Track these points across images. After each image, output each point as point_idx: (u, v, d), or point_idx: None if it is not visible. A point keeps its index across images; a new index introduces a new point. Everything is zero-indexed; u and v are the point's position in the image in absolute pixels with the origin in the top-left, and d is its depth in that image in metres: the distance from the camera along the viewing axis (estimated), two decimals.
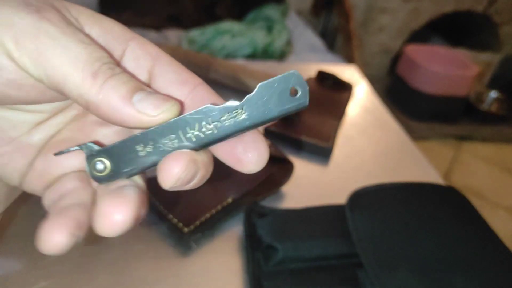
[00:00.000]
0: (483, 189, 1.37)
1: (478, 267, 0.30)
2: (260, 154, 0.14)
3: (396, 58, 1.70)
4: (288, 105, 0.13)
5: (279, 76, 0.13)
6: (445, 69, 1.50)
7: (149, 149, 0.14)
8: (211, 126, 0.13)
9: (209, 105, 0.13)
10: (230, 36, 0.95)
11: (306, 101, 0.13)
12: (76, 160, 0.15)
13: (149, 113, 0.12)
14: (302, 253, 0.31)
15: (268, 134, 0.47)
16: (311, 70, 0.63)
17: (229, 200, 0.35)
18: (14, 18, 0.11)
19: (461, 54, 1.64)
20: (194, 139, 0.14)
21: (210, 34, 0.95)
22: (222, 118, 0.13)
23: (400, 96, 1.64)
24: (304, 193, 0.41)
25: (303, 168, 0.44)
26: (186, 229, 0.32)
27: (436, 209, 0.36)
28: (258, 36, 0.98)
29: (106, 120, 0.13)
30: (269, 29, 1.05)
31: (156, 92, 0.13)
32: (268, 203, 0.38)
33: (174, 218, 0.33)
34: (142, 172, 0.15)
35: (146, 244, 0.33)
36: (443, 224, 0.34)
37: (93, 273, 0.30)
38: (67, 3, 0.13)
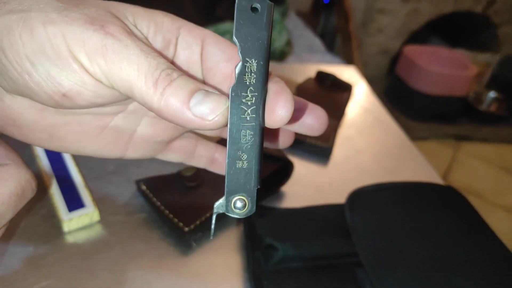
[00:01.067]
0: (482, 189, 1.37)
1: (477, 266, 0.31)
2: (286, 107, 0.15)
3: (395, 59, 1.70)
4: (264, 18, 0.14)
5: (235, 14, 0.14)
6: (444, 69, 1.51)
7: (243, 156, 0.15)
8: (248, 95, 0.14)
9: (230, 88, 0.14)
10: (230, 36, 0.95)
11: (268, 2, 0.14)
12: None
13: (206, 117, 0.13)
14: (302, 253, 0.31)
15: None
16: (310, 70, 0.63)
17: None
18: (83, 37, 0.13)
19: (460, 54, 1.64)
20: (254, 115, 0.14)
21: None
22: (246, 81, 0.14)
23: (399, 96, 1.64)
24: (304, 193, 0.41)
25: (303, 168, 0.44)
26: (186, 228, 0.32)
27: (435, 209, 0.36)
28: None
29: (172, 123, 0.14)
30: None
31: (210, 93, 0.14)
32: (268, 202, 0.38)
33: (175, 217, 0.33)
34: (259, 173, 0.15)
35: (146, 243, 0.33)
36: (442, 224, 0.34)
37: (93, 272, 0.30)
38: (122, 7, 0.15)
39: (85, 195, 0.34)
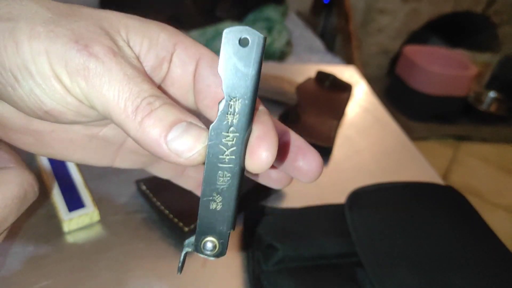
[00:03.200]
0: (481, 189, 1.37)
1: (477, 266, 0.31)
2: (316, 163, 0.16)
3: (395, 59, 1.70)
4: (253, 53, 0.13)
5: (222, 43, 0.13)
6: (444, 69, 1.51)
7: (218, 198, 0.14)
8: (229, 135, 0.13)
9: (211, 126, 0.13)
10: None
11: (260, 36, 0.13)
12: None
13: (181, 155, 0.13)
14: (301, 252, 0.31)
15: None
16: (310, 70, 0.63)
17: None
18: (66, 56, 0.12)
19: (460, 54, 1.64)
20: (233, 156, 0.14)
21: (210, 35, 0.95)
22: (228, 120, 0.13)
23: (399, 96, 1.64)
24: (304, 193, 0.41)
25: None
26: (186, 229, 0.32)
27: (435, 209, 0.36)
28: None
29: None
30: (269, 29, 1.06)
31: (191, 127, 0.13)
32: (268, 202, 0.38)
33: (175, 217, 0.33)
34: (234, 216, 0.15)
35: (146, 243, 0.33)
36: (442, 224, 0.34)
37: (93, 272, 0.30)
38: (116, 20, 0.14)
39: (85, 195, 0.34)
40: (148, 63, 0.15)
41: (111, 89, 0.12)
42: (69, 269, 0.30)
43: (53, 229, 0.32)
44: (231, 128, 0.13)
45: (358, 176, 0.45)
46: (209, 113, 0.15)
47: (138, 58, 0.14)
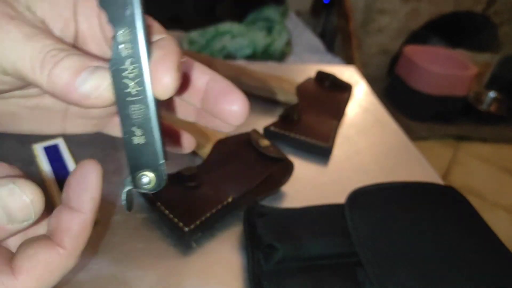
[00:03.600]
0: (482, 189, 1.37)
1: (477, 266, 0.31)
2: (241, 106, 0.15)
3: (395, 59, 1.70)
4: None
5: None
6: (444, 69, 1.51)
7: (138, 132, 0.14)
8: (128, 67, 0.13)
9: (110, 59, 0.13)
10: (230, 37, 0.96)
11: None
12: None
13: (90, 96, 0.13)
14: (301, 252, 0.31)
15: (267, 134, 0.47)
16: (310, 70, 0.63)
17: (229, 199, 0.35)
18: None
19: (460, 54, 1.64)
20: (140, 87, 0.14)
21: (210, 35, 0.95)
22: (122, 52, 0.13)
23: (399, 96, 1.64)
24: (304, 193, 0.41)
25: (302, 168, 0.44)
26: (186, 228, 0.32)
27: (435, 209, 0.36)
28: (258, 37, 0.98)
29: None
30: (269, 30, 1.06)
31: (97, 69, 0.13)
32: (268, 202, 0.38)
33: (175, 217, 0.33)
34: (162, 147, 0.15)
35: (147, 243, 0.33)
36: (442, 224, 0.34)
37: (94, 272, 0.30)
38: None
39: None
40: (56, 25, 0.15)
41: (13, 50, 0.13)
42: None
43: None
44: (130, 60, 0.13)
45: (358, 176, 0.45)
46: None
47: (43, 21, 0.14)
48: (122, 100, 0.14)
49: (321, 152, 0.46)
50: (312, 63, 1.07)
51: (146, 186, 0.15)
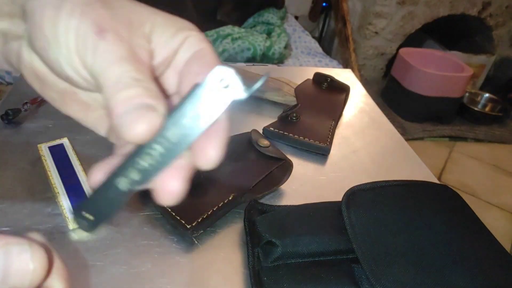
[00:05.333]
0: (476, 188, 1.38)
1: (471, 262, 0.31)
2: (216, 152, 0.15)
3: (391, 61, 1.71)
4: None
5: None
6: (440, 71, 1.52)
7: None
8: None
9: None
10: (230, 40, 0.96)
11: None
12: None
13: (122, 127, 0.14)
14: (300, 249, 0.32)
15: (267, 134, 0.48)
16: (309, 73, 0.64)
17: (230, 197, 0.36)
18: (86, 35, 0.15)
19: (455, 56, 1.66)
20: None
21: (211, 38, 0.96)
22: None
23: (395, 97, 1.65)
24: (302, 191, 0.41)
25: (301, 167, 0.45)
26: (188, 226, 0.33)
27: (430, 207, 0.36)
28: (257, 40, 0.99)
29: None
30: (269, 33, 1.07)
31: (145, 107, 0.14)
32: (267, 200, 0.39)
33: (177, 215, 0.34)
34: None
35: (150, 240, 0.33)
36: (437, 221, 0.35)
37: (98, 268, 0.30)
38: (145, 14, 0.16)
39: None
40: (162, 53, 0.17)
41: (103, 66, 0.15)
42: (73, 266, 0.30)
43: (58, 227, 0.33)
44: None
45: (355, 175, 0.45)
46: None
47: (152, 49, 0.16)
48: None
49: (319, 151, 0.47)
50: (310, 66, 1.08)
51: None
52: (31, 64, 0.17)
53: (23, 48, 0.17)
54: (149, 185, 0.15)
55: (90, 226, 0.16)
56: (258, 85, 0.14)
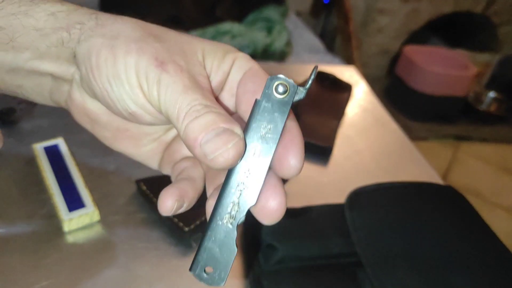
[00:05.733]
0: (481, 189, 1.37)
1: (476, 266, 0.31)
2: (299, 159, 0.16)
3: (395, 59, 1.70)
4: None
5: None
6: (444, 69, 1.51)
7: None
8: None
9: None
10: (230, 37, 0.96)
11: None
12: (186, 150, 0.19)
13: (208, 156, 0.14)
14: (301, 252, 0.31)
15: None
16: (310, 70, 0.63)
17: None
18: (147, 70, 0.15)
19: (460, 54, 1.65)
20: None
21: (210, 35, 0.95)
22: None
23: (399, 96, 1.64)
24: (304, 193, 0.41)
25: (303, 168, 0.44)
26: (186, 228, 0.32)
27: (434, 209, 0.36)
28: (258, 37, 0.98)
29: None
30: (269, 30, 1.06)
31: (226, 131, 0.14)
32: None
33: (175, 217, 0.33)
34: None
35: (147, 243, 0.33)
36: (441, 223, 0.34)
37: (94, 272, 0.30)
38: (195, 44, 0.17)
39: (85, 195, 0.34)
40: (217, 78, 0.17)
41: (171, 97, 0.15)
42: (69, 269, 0.30)
43: (53, 229, 0.32)
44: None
45: (358, 176, 0.45)
46: (245, 117, 0.17)
47: (208, 75, 0.17)
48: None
49: (321, 152, 0.46)
50: (312, 63, 1.07)
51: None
52: (83, 106, 0.18)
53: (74, 91, 0.17)
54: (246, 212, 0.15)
55: (218, 279, 0.15)
56: (311, 79, 0.15)
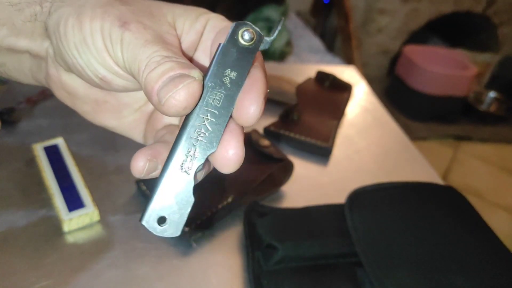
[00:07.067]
0: (481, 189, 1.37)
1: (476, 266, 0.31)
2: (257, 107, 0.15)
3: (395, 59, 1.70)
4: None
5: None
6: (444, 69, 1.51)
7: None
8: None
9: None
10: None
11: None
12: (168, 119, 0.19)
13: (161, 101, 0.14)
14: (301, 252, 0.31)
15: (267, 134, 0.47)
16: (310, 70, 0.63)
17: (229, 199, 0.35)
18: (111, 31, 0.15)
19: (460, 54, 1.65)
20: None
21: None
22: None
23: (399, 96, 1.64)
24: (304, 193, 0.41)
25: (302, 168, 0.44)
26: (186, 228, 0.32)
27: (435, 209, 0.36)
28: None
29: None
30: (269, 30, 1.05)
31: (182, 76, 0.14)
32: (268, 202, 0.38)
33: None
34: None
35: (147, 243, 0.33)
36: (442, 224, 0.34)
37: (94, 272, 0.30)
38: (165, 8, 0.17)
39: (85, 195, 0.34)
40: (189, 38, 0.17)
41: (133, 52, 0.15)
42: (69, 269, 0.30)
43: (53, 229, 0.32)
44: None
45: (358, 176, 0.45)
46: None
47: (179, 35, 0.17)
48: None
49: (321, 152, 0.46)
50: (312, 63, 1.07)
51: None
52: (60, 79, 0.18)
53: (50, 66, 0.18)
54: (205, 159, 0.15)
55: (173, 230, 0.14)
56: (277, 29, 0.15)
